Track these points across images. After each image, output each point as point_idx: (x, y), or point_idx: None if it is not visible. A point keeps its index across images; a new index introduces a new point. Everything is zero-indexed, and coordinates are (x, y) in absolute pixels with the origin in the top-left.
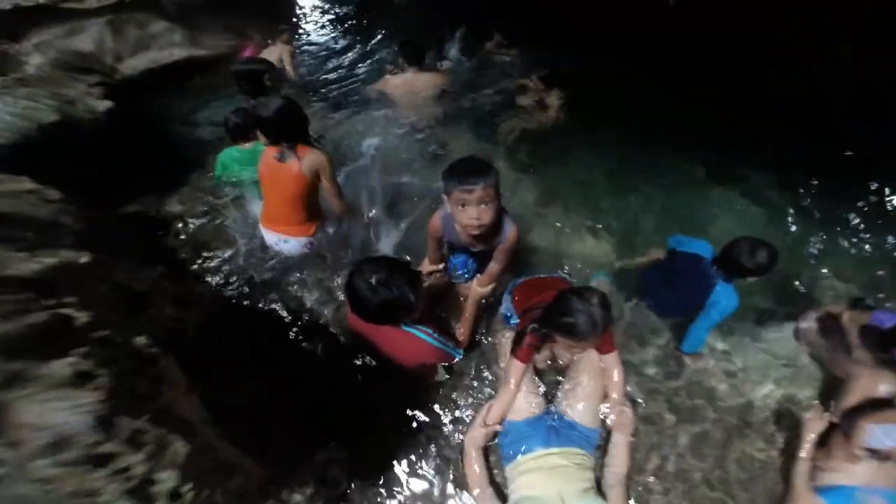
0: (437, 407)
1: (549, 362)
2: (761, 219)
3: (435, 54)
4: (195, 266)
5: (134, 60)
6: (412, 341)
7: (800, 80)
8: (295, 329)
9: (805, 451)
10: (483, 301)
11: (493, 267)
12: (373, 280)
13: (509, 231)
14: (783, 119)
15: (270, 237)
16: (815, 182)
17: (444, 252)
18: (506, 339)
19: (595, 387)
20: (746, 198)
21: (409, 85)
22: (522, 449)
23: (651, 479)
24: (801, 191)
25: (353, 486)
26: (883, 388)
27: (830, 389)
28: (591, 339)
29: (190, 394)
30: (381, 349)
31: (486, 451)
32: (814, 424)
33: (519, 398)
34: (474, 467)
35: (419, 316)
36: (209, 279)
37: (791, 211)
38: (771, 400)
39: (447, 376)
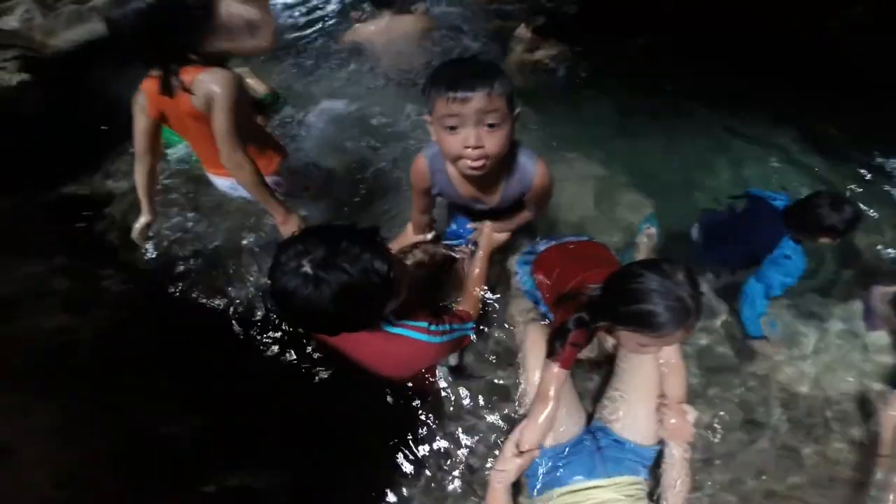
0: (432, 421)
1: (590, 355)
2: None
3: None
4: (118, 254)
5: (69, 33)
6: (403, 346)
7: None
8: (241, 329)
9: (885, 448)
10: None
11: (525, 214)
12: (308, 267)
13: (535, 169)
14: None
15: (220, 183)
16: (846, 136)
17: (436, 217)
18: (526, 319)
19: (651, 389)
20: (776, 154)
21: (384, 31)
22: (558, 479)
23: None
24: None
25: None
26: None
27: None
28: (679, 331)
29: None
30: (359, 359)
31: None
32: (890, 416)
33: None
34: None
35: (405, 306)
36: (132, 269)
37: (828, 169)
38: (844, 391)
39: (451, 380)
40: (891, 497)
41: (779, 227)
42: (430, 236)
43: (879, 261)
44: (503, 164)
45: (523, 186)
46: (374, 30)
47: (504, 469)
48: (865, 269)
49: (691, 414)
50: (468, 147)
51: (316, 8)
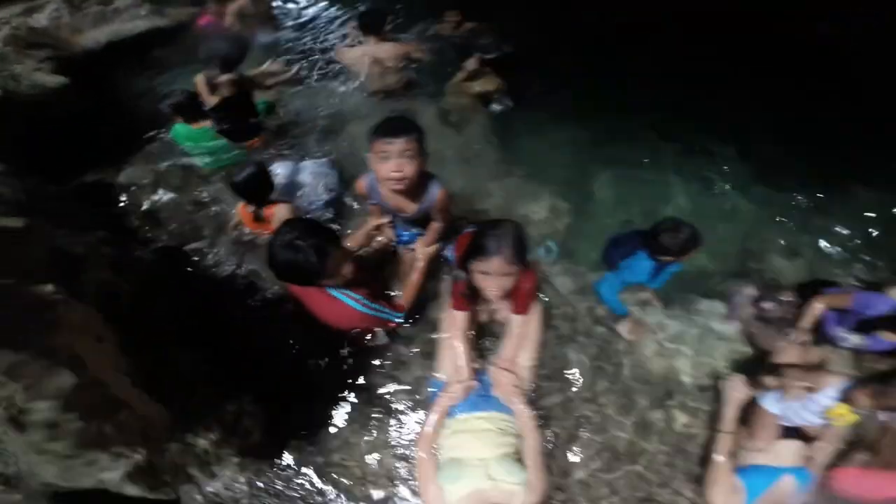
0: (377, 372)
1: (489, 318)
2: (712, 197)
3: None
4: (140, 233)
5: (95, 32)
6: (337, 305)
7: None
8: (236, 291)
9: (725, 425)
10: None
11: (435, 225)
12: (285, 240)
13: (437, 191)
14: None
15: None
16: (777, 158)
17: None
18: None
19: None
20: (708, 175)
21: (368, 55)
22: (457, 411)
23: (574, 449)
24: (762, 166)
25: (281, 440)
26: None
27: (757, 365)
28: (499, 258)
29: (101, 341)
30: (313, 311)
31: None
32: (734, 397)
33: (450, 367)
34: (428, 439)
35: (350, 280)
36: (152, 245)
37: (738, 185)
38: (698, 372)
39: (387, 340)
40: (731, 466)
41: (636, 246)
42: (386, 220)
43: (746, 265)
44: (418, 188)
45: (430, 203)
46: (358, 54)
47: (426, 432)
48: (734, 272)
49: (510, 376)
50: (393, 171)
51: (319, 30)
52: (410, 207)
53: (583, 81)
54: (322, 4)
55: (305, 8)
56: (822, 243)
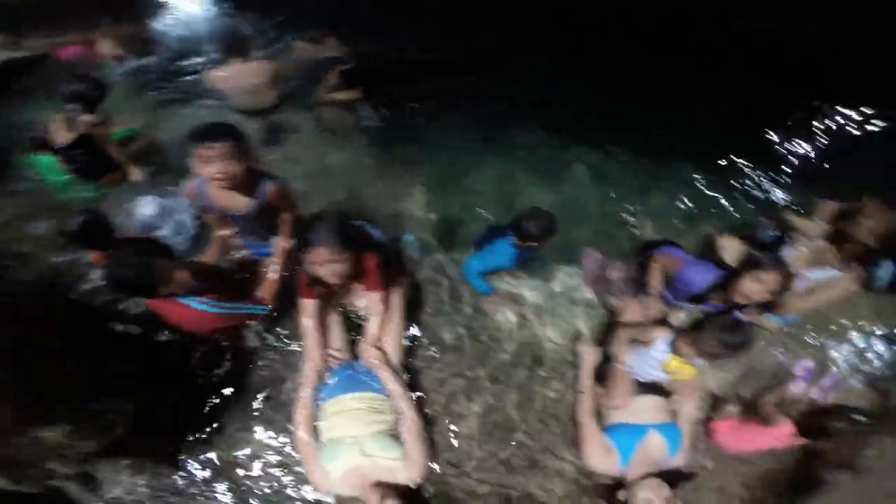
0: (261, 368)
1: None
2: (573, 176)
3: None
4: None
5: None
6: (189, 311)
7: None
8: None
9: (584, 386)
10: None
11: (286, 217)
12: (116, 259)
13: (268, 186)
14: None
15: None
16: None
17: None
18: None
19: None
20: (571, 158)
21: (234, 77)
22: (326, 395)
23: (455, 423)
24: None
25: (174, 442)
26: (647, 318)
27: (611, 326)
28: (323, 247)
29: None
30: (171, 320)
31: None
32: (587, 357)
33: (320, 353)
34: (303, 420)
35: (196, 287)
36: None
37: (594, 167)
38: (562, 338)
39: (261, 337)
40: (596, 427)
41: (503, 234)
42: (231, 231)
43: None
44: (248, 186)
45: (263, 198)
46: (224, 76)
47: (300, 410)
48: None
49: (376, 352)
50: (216, 172)
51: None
52: (242, 203)
53: (451, 82)
54: (195, 29)
55: (179, 33)
56: (670, 212)
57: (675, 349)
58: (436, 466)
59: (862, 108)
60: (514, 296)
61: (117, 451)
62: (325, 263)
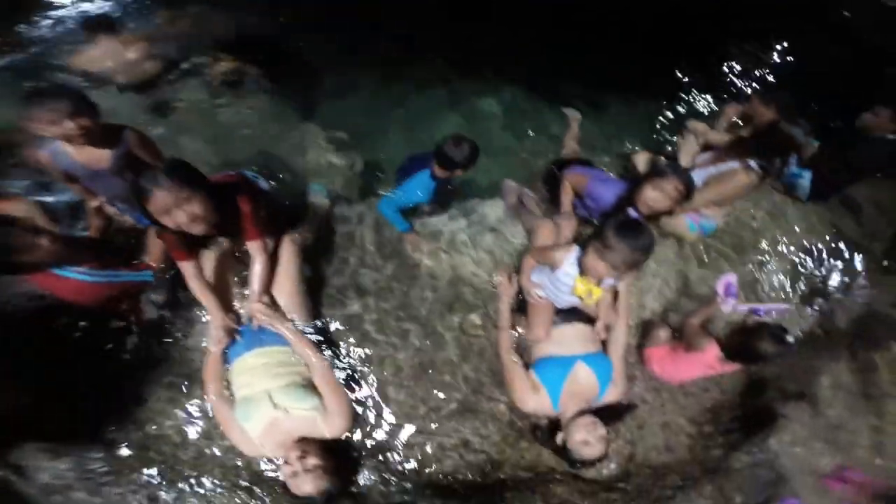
0: (167, 339)
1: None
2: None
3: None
4: None
5: None
6: (69, 283)
7: None
8: None
9: (502, 320)
10: None
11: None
12: None
13: (129, 134)
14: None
15: None
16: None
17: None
18: None
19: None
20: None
21: (108, 54)
22: (234, 355)
23: (379, 370)
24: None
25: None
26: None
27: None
28: (159, 191)
29: None
30: (55, 295)
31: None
32: (503, 289)
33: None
34: (211, 381)
35: (71, 257)
36: None
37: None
38: (483, 270)
39: (160, 308)
40: (521, 364)
41: (426, 164)
42: (99, 201)
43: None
44: (108, 140)
45: (126, 148)
46: (94, 55)
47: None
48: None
49: (261, 307)
50: (64, 130)
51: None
52: (104, 156)
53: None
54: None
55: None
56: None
57: (581, 267)
58: (364, 418)
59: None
60: (435, 232)
61: (34, 436)
62: (174, 209)
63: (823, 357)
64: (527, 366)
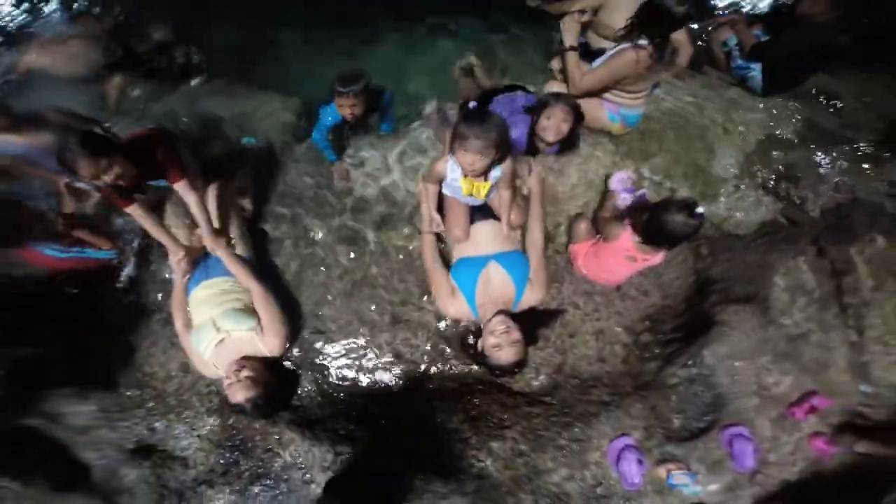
0: (149, 291)
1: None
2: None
3: None
4: None
5: None
6: (41, 257)
7: None
8: None
9: (424, 224)
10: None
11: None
12: None
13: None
14: None
15: None
16: None
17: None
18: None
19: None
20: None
21: (44, 51)
22: (190, 287)
23: (313, 289)
24: None
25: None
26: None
27: None
28: (86, 168)
29: None
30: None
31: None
32: (424, 192)
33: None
34: (177, 311)
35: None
36: None
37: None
38: (409, 186)
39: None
40: (442, 269)
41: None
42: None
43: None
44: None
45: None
46: (34, 56)
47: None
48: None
49: (204, 233)
50: None
51: None
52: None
53: None
54: None
55: None
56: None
57: (460, 168)
58: (302, 336)
59: None
60: (365, 159)
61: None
62: (100, 175)
63: (780, 252)
64: (446, 269)
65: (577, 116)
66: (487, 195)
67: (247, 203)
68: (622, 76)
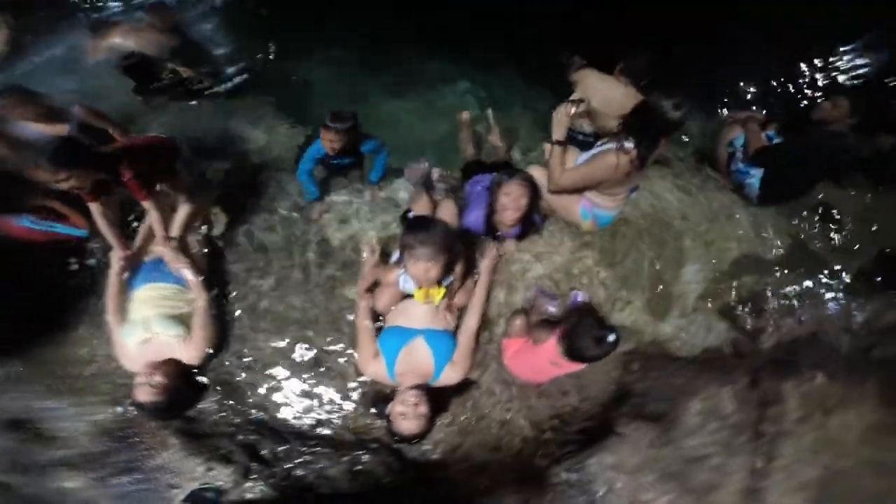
0: None
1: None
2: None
3: None
4: None
5: None
6: (16, 227)
7: None
8: None
9: (359, 287)
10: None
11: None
12: None
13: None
14: None
15: None
16: None
17: None
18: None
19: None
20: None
21: (130, 35)
22: (135, 285)
23: (253, 318)
24: None
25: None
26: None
27: None
28: (44, 174)
29: None
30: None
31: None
32: (367, 260)
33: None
34: (111, 301)
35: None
36: None
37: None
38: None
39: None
40: (370, 331)
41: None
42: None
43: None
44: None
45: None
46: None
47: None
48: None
49: (167, 248)
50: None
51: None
52: (63, 129)
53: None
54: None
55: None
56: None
57: (413, 280)
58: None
59: None
60: (341, 203)
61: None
62: (59, 182)
63: (709, 379)
64: (375, 333)
65: (534, 189)
66: (442, 299)
67: (218, 222)
68: (599, 180)
